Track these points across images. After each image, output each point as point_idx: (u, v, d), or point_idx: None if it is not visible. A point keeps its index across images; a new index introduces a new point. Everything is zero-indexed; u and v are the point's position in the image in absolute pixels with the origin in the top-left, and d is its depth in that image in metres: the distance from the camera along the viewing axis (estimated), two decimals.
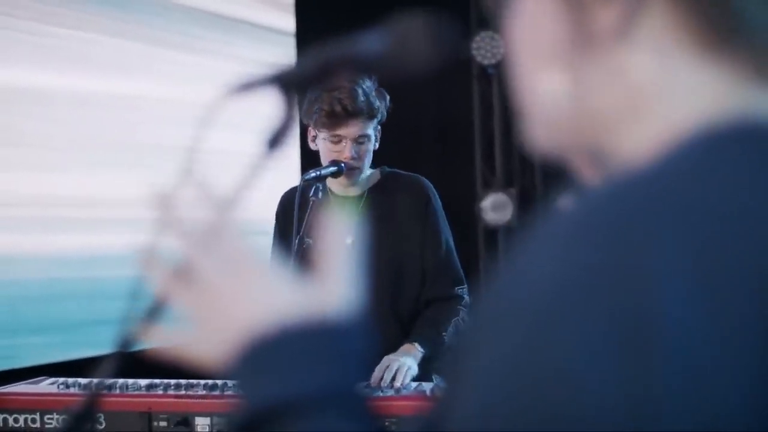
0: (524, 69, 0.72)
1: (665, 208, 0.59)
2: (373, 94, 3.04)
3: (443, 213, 3.19)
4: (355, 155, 3.06)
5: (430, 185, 3.19)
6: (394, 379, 2.89)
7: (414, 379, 2.94)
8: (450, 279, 3.13)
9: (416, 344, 3.02)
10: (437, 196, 3.19)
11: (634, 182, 0.62)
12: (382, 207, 3.15)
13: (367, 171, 3.17)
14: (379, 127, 3.14)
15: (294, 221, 2.96)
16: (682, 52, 0.66)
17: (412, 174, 3.24)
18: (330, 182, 3.18)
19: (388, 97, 3.14)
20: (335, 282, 0.79)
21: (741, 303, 0.56)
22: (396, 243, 3.12)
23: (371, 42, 0.81)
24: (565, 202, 0.63)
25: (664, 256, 0.56)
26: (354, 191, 3.19)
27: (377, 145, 3.15)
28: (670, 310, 0.55)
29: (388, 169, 3.24)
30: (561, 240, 0.60)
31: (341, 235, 0.81)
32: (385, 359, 2.93)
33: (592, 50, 0.67)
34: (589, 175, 0.73)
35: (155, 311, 0.85)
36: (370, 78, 3.05)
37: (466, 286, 3.14)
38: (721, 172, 0.61)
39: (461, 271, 3.17)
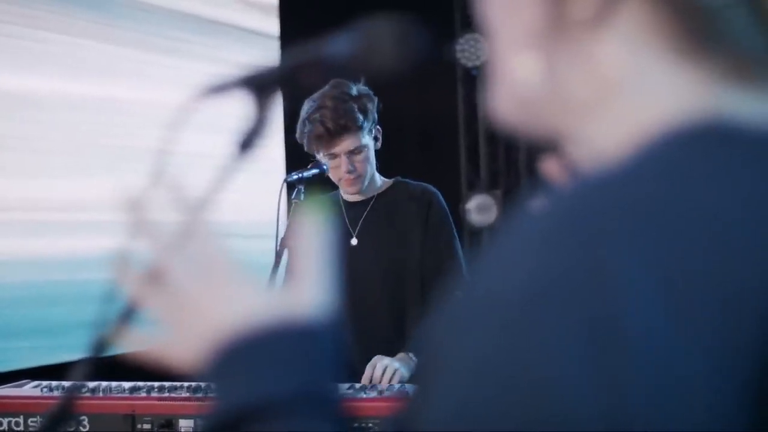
0: (499, 49, 0.72)
1: (633, 211, 0.59)
2: (360, 106, 3.06)
3: (449, 220, 3.18)
4: (352, 168, 3.09)
5: (435, 192, 3.20)
6: (383, 376, 2.89)
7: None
8: (448, 286, 3.08)
9: (411, 354, 3.02)
10: (443, 203, 3.18)
11: (602, 184, 0.62)
12: (387, 212, 3.18)
13: (377, 178, 3.21)
14: (378, 127, 3.15)
15: (276, 223, 2.97)
16: (655, 50, 0.66)
17: (421, 183, 3.25)
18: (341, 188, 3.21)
19: (376, 99, 3.14)
20: (311, 282, 0.79)
21: (707, 306, 0.56)
22: (397, 247, 3.14)
23: (340, 44, 0.81)
24: (533, 203, 0.63)
25: (631, 258, 0.57)
26: (362, 196, 3.22)
27: (379, 145, 3.17)
28: (637, 313, 0.55)
29: (401, 180, 3.28)
30: (530, 243, 0.60)
31: (322, 237, 0.81)
32: (375, 359, 2.94)
33: (567, 38, 0.68)
34: (551, 155, 0.74)
35: (128, 315, 0.85)
36: (355, 81, 3.06)
37: None
38: (689, 174, 0.61)
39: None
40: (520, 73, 0.70)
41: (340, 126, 3.04)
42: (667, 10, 0.65)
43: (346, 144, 3.07)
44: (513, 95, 0.72)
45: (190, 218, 0.81)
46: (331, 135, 3.05)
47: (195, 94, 0.84)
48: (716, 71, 0.66)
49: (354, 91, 3.07)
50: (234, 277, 0.80)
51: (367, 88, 3.13)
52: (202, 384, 2.81)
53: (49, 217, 4.74)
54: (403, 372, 2.95)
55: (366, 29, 0.80)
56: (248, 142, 0.83)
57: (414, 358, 3.01)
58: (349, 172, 3.09)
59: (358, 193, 3.20)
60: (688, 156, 0.62)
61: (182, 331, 0.80)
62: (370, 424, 2.54)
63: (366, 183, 3.17)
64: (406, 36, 0.80)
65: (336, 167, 3.10)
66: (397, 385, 2.90)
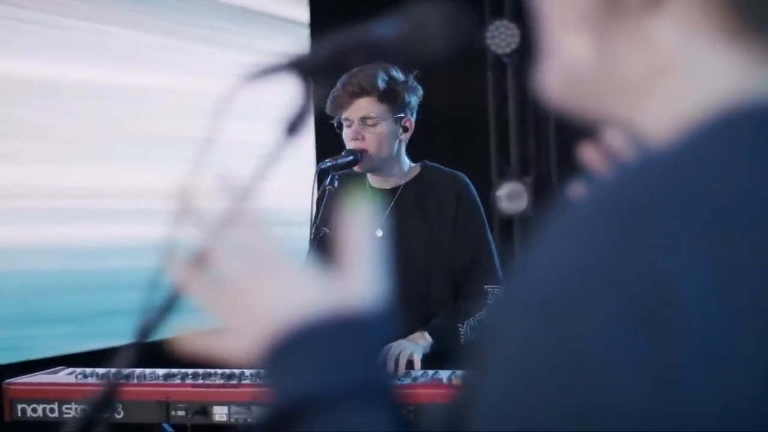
0: (552, 28, 0.72)
1: (681, 193, 0.59)
2: (389, 78, 3.03)
3: (480, 210, 3.14)
4: (359, 136, 3.04)
5: (466, 181, 3.15)
6: (397, 365, 2.88)
7: (429, 368, 2.93)
8: (478, 276, 3.07)
9: (425, 333, 3.01)
10: (473, 192, 3.14)
11: (651, 166, 0.62)
12: (415, 201, 3.14)
13: (404, 164, 3.16)
14: (410, 118, 3.11)
15: (310, 210, 2.97)
16: (707, 32, 0.66)
17: (449, 170, 3.19)
18: (368, 175, 3.17)
19: (420, 91, 3.11)
20: (359, 273, 0.79)
21: (756, 287, 0.56)
22: (426, 237, 3.10)
23: (386, 28, 0.81)
24: (578, 189, 0.63)
25: (679, 240, 0.57)
26: (389, 184, 3.17)
27: (404, 136, 3.12)
28: (687, 295, 0.55)
29: (429, 164, 3.22)
30: (578, 227, 0.60)
31: (364, 225, 0.81)
32: (385, 347, 2.92)
33: (620, 19, 0.68)
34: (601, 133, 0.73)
35: (172, 302, 0.85)
36: (398, 68, 3.03)
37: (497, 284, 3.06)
38: (737, 156, 0.61)
39: (496, 268, 3.10)
40: (572, 52, 0.70)
41: (358, 87, 3.00)
42: None
43: (359, 107, 3.03)
44: (565, 75, 0.71)
45: (237, 206, 0.81)
46: (348, 94, 3.01)
47: (238, 81, 0.84)
48: (764, 54, 0.66)
49: (393, 71, 3.05)
50: (282, 265, 0.80)
51: (412, 78, 3.09)
52: (236, 371, 2.84)
53: (76, 204, 4.76)
54: (414, 351, 2.94)
55: (412, 13, 0.80)
56: (293, 127, 0.83)
57: (429, 338, 2.99)
58: (356, 139, 3.03)
59: (364, 171, 3.13)
60: (734, 138, 0.62)
61: (230, 320, 0.80)
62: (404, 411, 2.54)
63: (376, 163, 3.11)
64: (452, 21, 0.80)
65: (347, 136, 3.06)
66: (430, 372, 2.90)
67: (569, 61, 0.71)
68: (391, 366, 2.89)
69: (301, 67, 0.84)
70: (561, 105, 0.73)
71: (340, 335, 0.75)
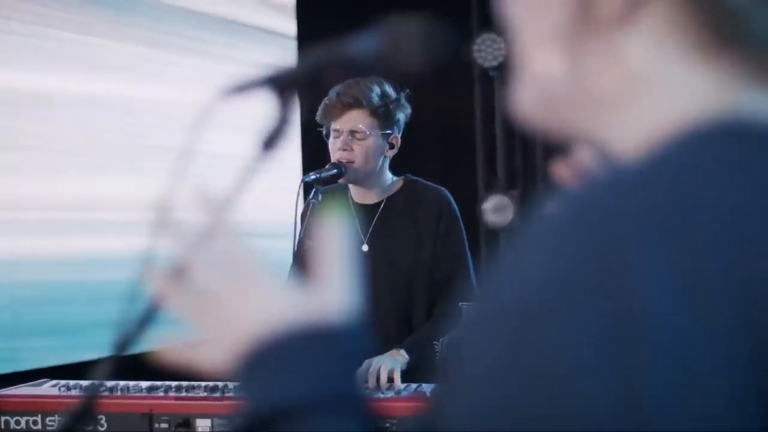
0: (524, 44, 0.72)
1: (650, 207, 0.59)
2: (381, 93, 3.04)
3: (460, 226, 3.16)
4: (347, 147, 3.05)
5: (448, 197, 3.16)
6: (378, 380, 2.89)
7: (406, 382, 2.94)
8: (453, 293, 3.07)
9: (402, 351, 3.02)
10: (454, 208, 3.16)
11: (620, 181, 0.62)
12: (398, 216, 3.15)
13: (387, 179, 3.17)
14: (396, 135, 3.12)
15: (294, 223, 2.97)
16: (680, 48, 0.66)
17: (432, 184, 3.21)
18: (351, 189, 3.18)
19: (408, 110, 3.13)
20: (336, 286, 0.79)
21: (726, 301, 0.56)
22: (408, 252, 3.12)
23: (365, 43, 0.81)
24: (547, 205, 0.63)
25: (649, 254, 0.57)
26: (372, 198, 3.19)
27: (389, 153, 3.13)
28: (657, 307, 0.56)
29: (411, 178, 3.23)
30: (548, 240, 0.61)
31: (344, 239, 0.81)
32: (365, 363, 2.92)
33: (593, 34, 0.68)
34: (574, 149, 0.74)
35: (151, 314, 0.85)
36: (391, 85, 3.05)
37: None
38: (708, 171, 0.61)
39: (472, 286, 3.12)
40: (544, 68, 0.70)
41: (352, 98, 3.02)
42: (693, 9, 0.65)
43: (351, 119, 3.04)
44: (537, 91, 0.72)
45: (215, 218, 0.82)
46: (342, 105, 3.03)
47: (218, 94, 0.84)
48: (738, 71, 0.66)
49: (387, 87, 3.06)
50: (260, 277, 0.80)
51: (404, 95, 3.11)
52: (220, 384, 2.84)
53: (64, 216, 4.75)
54: (394, 367, 2.94)
55: (391, 29, 0.80)
56: (271, 141, 0.83)
57: (405, 355, 3.00)
58: (343, 150, 3.05)
59: (348, 183, 3.15)
60: (707, 154, 0.62)
61: (209, 331, 0.80)
62: (387, 425, 2.54)
63: (360, 176, 3.12)
64: (431, 36, 0.80)
65: (335, 146, 3.07)
66: (413, 385, 2.90)
67: (541, 78, 0.71)
68: (372, 381, 2.89)
69: (282, 80, 0.85)
70: (533, 122, 0.73)
71: (312, 346, 0.75)
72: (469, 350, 0.61)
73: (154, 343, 0.85)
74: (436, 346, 2.97)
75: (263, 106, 0.85)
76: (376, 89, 3.03)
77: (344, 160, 3.05)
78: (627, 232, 0.58)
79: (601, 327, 0.56)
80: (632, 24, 0.66)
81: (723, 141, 0.63)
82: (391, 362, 2.95)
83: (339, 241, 0.81)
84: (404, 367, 2.98)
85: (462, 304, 2.98)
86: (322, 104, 3.06)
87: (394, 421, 2.57)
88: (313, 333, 0.75)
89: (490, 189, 6.08)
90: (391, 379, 2.93)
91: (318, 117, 3.08)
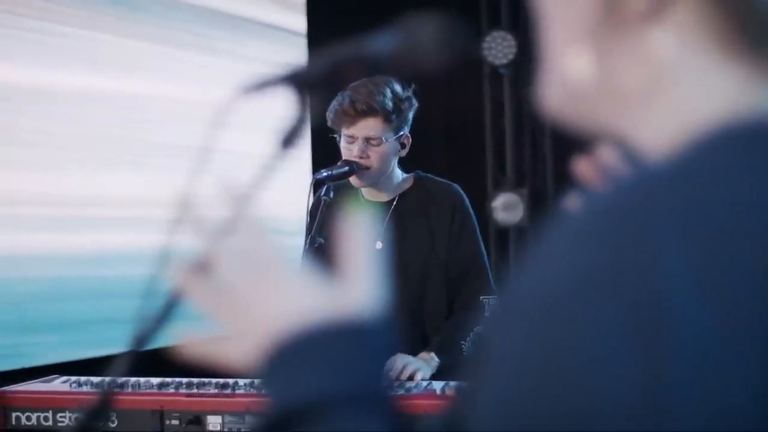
0: (552, 41, 0.72)
1: (675, 206, 0.59)
2: (394, 96, 3.03)
3: (473, 221, 3.16)
4: (363, 154, 3.05)
5: (460, 192, 3.17)
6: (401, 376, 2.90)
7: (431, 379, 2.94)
8: (473, 288, 3.08)
9: (433, 354, 3.02)
10: (467, 204, 3.16)
11: (646, 180, 0.63)
12: (410, 213, 3.15)
13: (397, 177, 3.17)
14: (407, 134, 3.12)
15: (305, 220, 2.97)
16: (706, 46, 0.66)
17: (443, 181, 3.22)
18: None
19: (415, 106, 3.12)
20: (359, 282, 0.79)
21: (747, 299, 0.57)
22: (421, 249, 3.12)
23: (382, 42, 0.81)
24: (573, 201, 0.64)
25: (672, 251, 0.57)
26: (384, 196, 3.19)
27: (402, 152, 3.14)
28: (678, 303, 0.56)
29: (422, 174, 3.23)
30: (573, 239, 0.61)
31: (363, 236, 0.81)
32: (395, 356, 2.93)
33: (621, 31, 0.68)
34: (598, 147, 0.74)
35: (170, 310, 0.85)
36: (399, 82, 3.04)
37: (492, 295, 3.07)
38: (732, 171, 0.61)
39: (489, 280, 3.12)
40: (572, 65, 0.71)
41: (367, 107, 3.00)
42: (720, 7, 0.66)
43: (366, 127, 3.03)
44: (564, 87, 0.72)
45: (238, 213, 0.82)
46: (355, 112, 3.01)
47: (235, 93, 0.84)
48: (761, 70, 0.66)
49: (397, 87, 3.06)
50: (284, 273, 0.80)
51: (411, 93, 3.10)
52: (230, 381, 2.84)
53: (72, 212, 4.76)
54: (424, 371, 2.95)
55: (410, 27, 0.80)
56: (289, 139, 0.84)
57: (436, 358, 3.01)
58: (360, 157, 3.05)
59: (363, 186, 3.15)
60: (730, 154, 0.63)
61: (232, 327, 0.80)
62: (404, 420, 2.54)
63: (375, 179, 3.13)
64: (448, 33, 0.80)
65: (350, 150, 3.06)
66: (424, 383, 2.90)
67: (569, 74, 0.71)
68: (397, 369, 2.90)
69: (297, 80, 0.85)
70: (560, 118, 0.73)
71: (337, 342, 0.75)
72: (493, 348, 0.62)
73: (167, 339, 0.85)
74: (463, 346, 2.97)
75: (279, 105, 0.85)
76: (388, 93, 3.02)
77: (361, 164, 3.06)
78: (650, 229, 0.59)
79: (625, 322, 0.57)
80: (659, 21, 0.67)
81: (746, 141, 0.63)
82: (418, 363, 2.96)
83: (361, 237, 0.81)
84: (434, 371, 2.99)
85: (484, 299, 2.99)
86: (333, 109, 3.04)
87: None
88: (339, 329, 0.75)
89: (499, 187, 6.08)
90: (410, 378, 2.93)
91: (330, 122, 3.07)
